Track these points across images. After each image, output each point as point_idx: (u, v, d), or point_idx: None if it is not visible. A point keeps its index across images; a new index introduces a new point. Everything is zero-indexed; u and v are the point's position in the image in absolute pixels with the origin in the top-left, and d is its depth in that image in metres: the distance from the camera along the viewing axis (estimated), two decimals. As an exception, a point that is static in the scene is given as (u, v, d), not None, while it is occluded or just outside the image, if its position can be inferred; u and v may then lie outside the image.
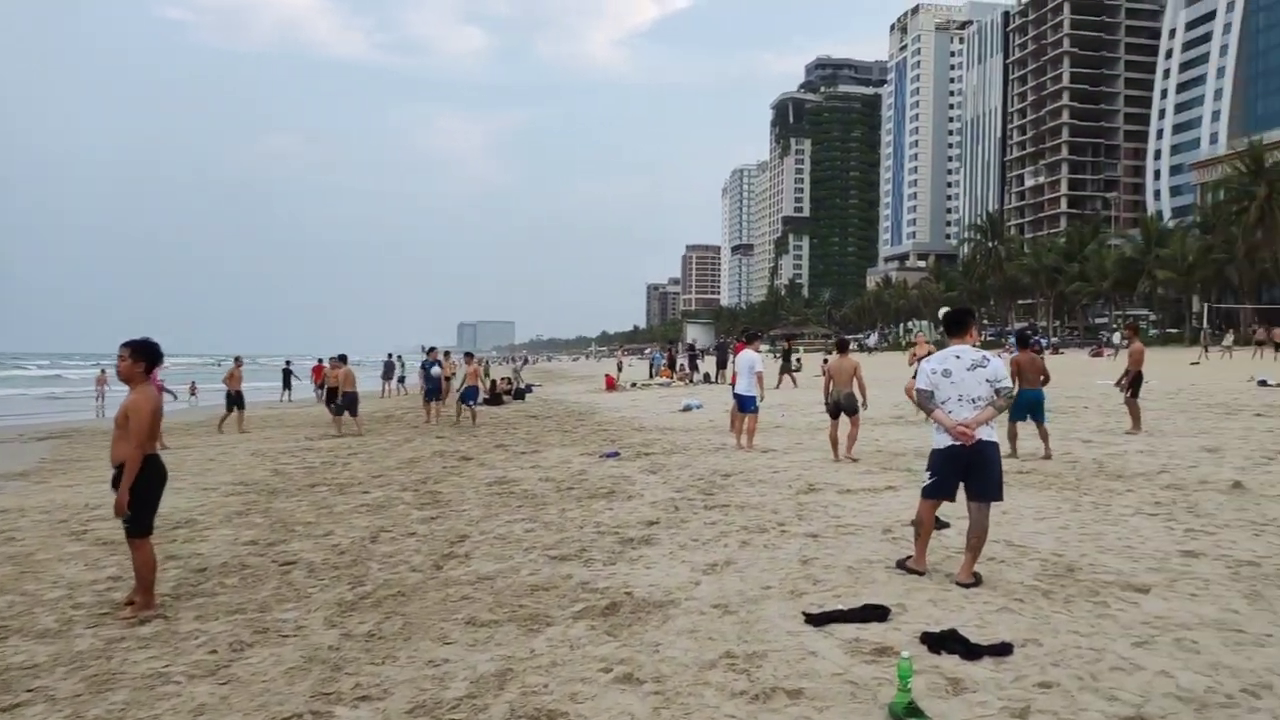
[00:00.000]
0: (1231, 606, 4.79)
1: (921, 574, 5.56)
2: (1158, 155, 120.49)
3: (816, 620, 4.74)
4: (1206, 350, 44.26)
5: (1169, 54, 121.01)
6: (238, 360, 20.87)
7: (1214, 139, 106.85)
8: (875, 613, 4.78)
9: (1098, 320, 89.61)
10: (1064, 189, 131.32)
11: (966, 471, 5.34)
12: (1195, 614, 4.67)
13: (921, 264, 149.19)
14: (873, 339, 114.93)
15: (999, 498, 5.41)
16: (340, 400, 17.27)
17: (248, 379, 20.99)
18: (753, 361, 12.70)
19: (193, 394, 31.06)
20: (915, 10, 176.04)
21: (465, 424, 18.01)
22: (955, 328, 5.59)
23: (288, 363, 35.81)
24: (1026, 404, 10.86)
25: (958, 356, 5.41)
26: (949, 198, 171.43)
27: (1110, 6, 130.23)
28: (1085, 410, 16.70)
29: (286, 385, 32.99)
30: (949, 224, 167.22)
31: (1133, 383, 13.15)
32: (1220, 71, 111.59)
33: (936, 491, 5.48)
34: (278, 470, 12.05)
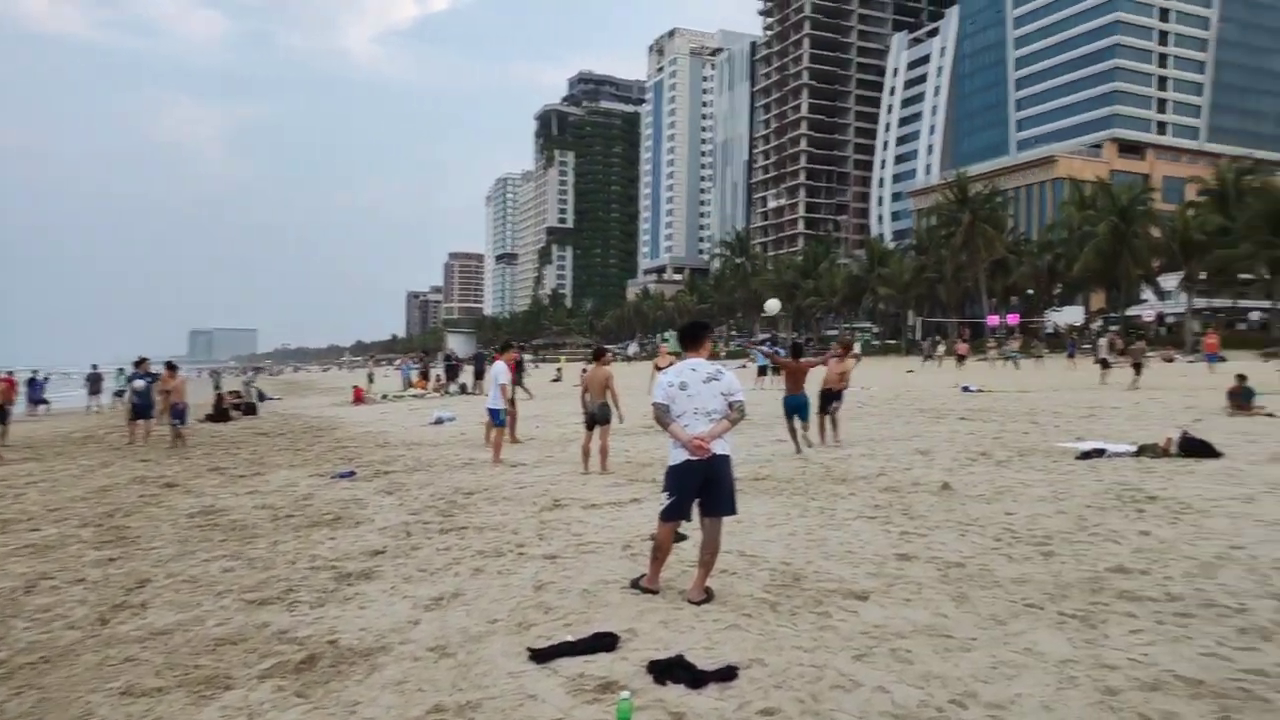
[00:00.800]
0: (941, 610, 4.95)
1: (655, 593, 5.37)
2: (881, 183, 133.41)
3: (542, 656, 4.37)
4: (926, 359, 49.20)
5: (892, 91, 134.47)
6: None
7: (929, 170, 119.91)
8: (604, 641, 4.49)
9: (829, 331, 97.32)
10: (802, 211, 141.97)
11: (702, 486, 5.20)
12: (909, 621, 4.77)
13: (678, 277, 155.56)
14: (632, 348, 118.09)
15: (732, 511, 5.32)
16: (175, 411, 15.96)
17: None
18: (497, 373, 12.27)
19: None
20: (672, 34, 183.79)
21: (178, 445, 16.07)
22: (690, 341, 5.44)
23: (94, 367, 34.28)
24: (794, 407, 12.23)
25: (694, 369, 5.28)
26: (702, 215, 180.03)
27: (844, 44, 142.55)
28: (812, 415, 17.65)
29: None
30: (702, 240, 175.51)
31: (823, 399, 13.05)
32: (934, 109, 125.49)
33: (676, 513, 5.29)
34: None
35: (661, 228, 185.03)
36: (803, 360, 13.12)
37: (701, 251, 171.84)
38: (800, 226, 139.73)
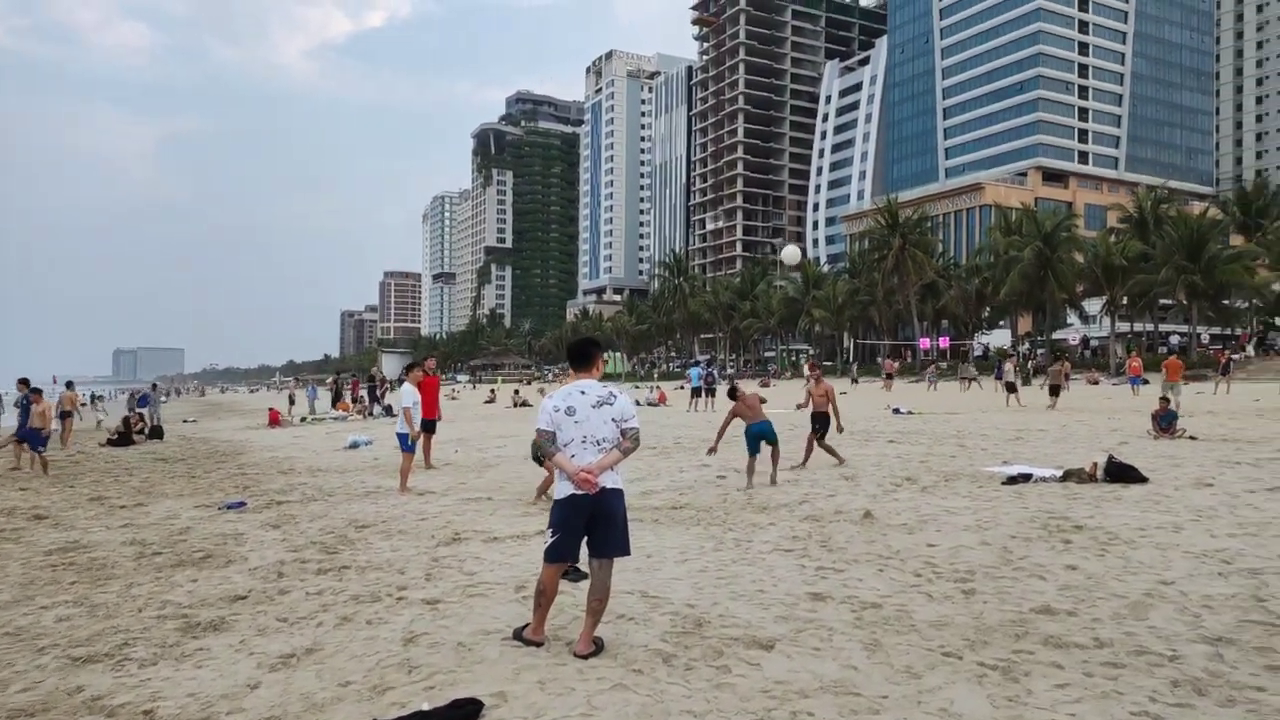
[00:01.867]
0: (852, 662, 4.45)
1: (539, 645, 4.76)
2: (816, 207, 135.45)
3: (389, 728, 3.74)
4: (854, 382, 49.56)
5: (825, 117, 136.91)
6: None
7: (861, 195, 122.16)
8: (462, 712, 3.87)
9: (767, 354, 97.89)
10: (739, 234, 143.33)
11: (590, 524, 4.64)
12: (815, 675, 4.26)
13: (618, 298, 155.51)
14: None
15: (625, 552, 4.76)
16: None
17: None
18: (403, 395, 11.57)
19: None
20: (609, 56, 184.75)
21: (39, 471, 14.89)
22: (580, 360, 4.87)
23: None
24: (760, 433, 11.30)
25: (583, 392, 4.71)
26: (642, 236, 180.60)
27: (778, 70, 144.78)
28: (738, 439, 17.24)
29: None
30: (642, 260, 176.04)
31: (820, 421, 12.91)
32: (866, 136, 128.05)
33: (561, 553, 4.70)
34: None
35: (601, 248, 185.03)
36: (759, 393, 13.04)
37: (641, 273, 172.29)
38: (738, 249, 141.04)
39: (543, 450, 4.72)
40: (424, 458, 13.88)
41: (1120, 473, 10.49)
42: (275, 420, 28.18)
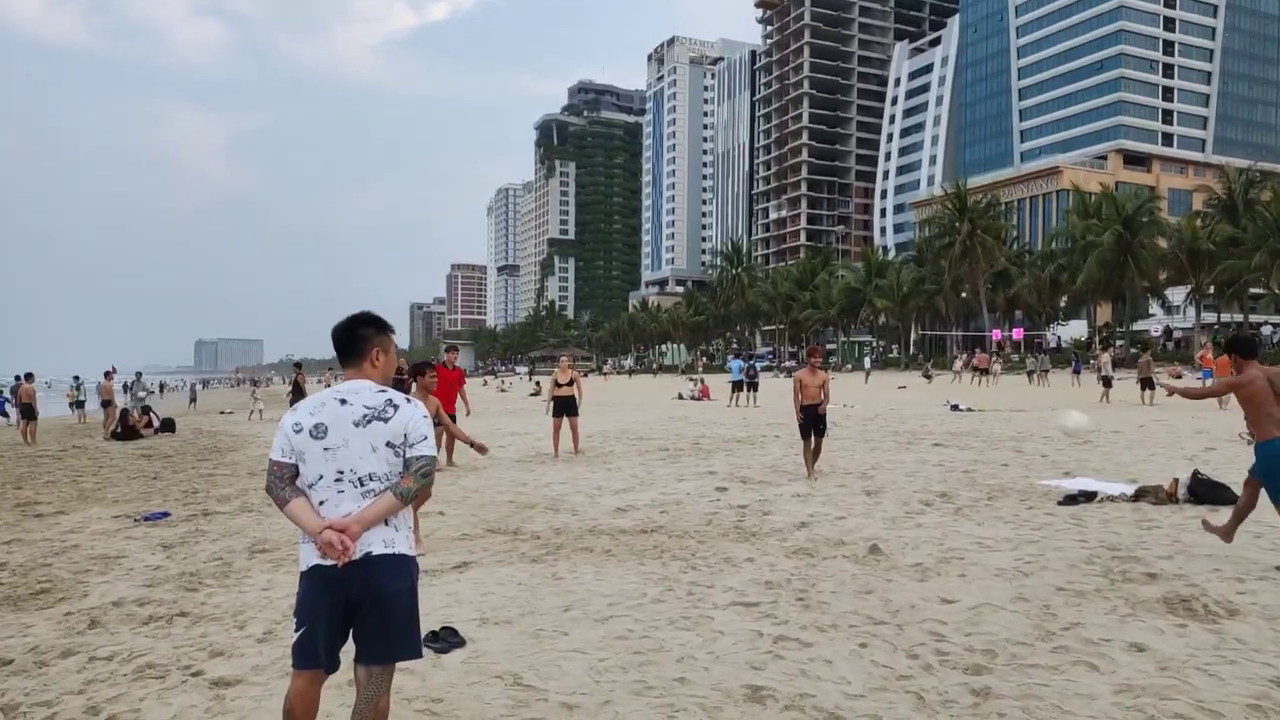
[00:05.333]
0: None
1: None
2: (884, 194, 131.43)
3: None
4: (926, 377, 46.99)
5: (894, 101, 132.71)
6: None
7: (931, 180, 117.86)
8: None
9: (829, 346, 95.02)
10: (804, 222, 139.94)
11: (350, 611, 2.96)
12: None
13: (680, 289, 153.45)
14: (629, 362, 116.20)
15: (409, 654, 3.05)
16: None
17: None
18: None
19: None
20: (671, 42, 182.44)
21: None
22: (347, 349, 3.10)
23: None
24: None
25: (342, 401, 3.01)
26: (704, 226, 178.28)
27: (845, 53, 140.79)
28: (764, 441, 15.46)
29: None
30: (704, 251, 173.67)
31: (807, 418, 11.50)
32: (937, 120, 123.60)
33: (308, 654, 2.98)
34: None
35: (663, 239, 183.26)
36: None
37: (704, 263, 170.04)
38: (802, 238, 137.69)
39: (270, 494, 3.03)
40: (446, 456, 12.66)
41: (1207, 492, 8.48)
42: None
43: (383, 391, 3.05)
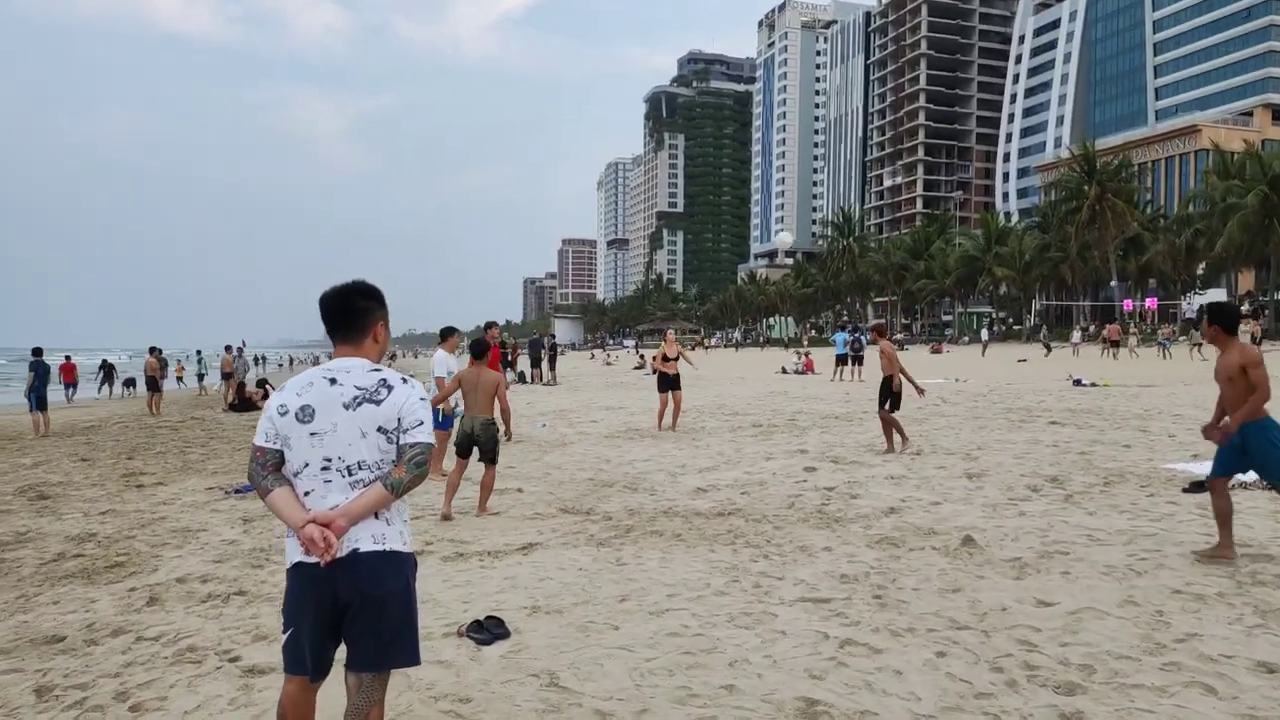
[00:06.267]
0: None
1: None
2: (1007, 158, 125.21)
3: None
4: (1047, 351, 44.59)
5: (1018, 59, 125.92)
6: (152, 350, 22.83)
7: (1058, 142, 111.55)
8: None
9: (945, 317, 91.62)
10: (920, 189, 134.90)
11: (337, 617, 2.68)
12: None
13: (790, 261, 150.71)
14: (736, 335, 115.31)
15: (404, 661, 2.78)
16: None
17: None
18: (433, 364, 10.08)
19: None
20: (783, 7, 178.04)
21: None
22: (340, 322, 2.79)
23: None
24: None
25: (331, 380, 2.73)
26: (815, 196, 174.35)
27: (965, 10, 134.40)
28: (864, 418, 14.75)
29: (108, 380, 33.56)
30: (814, 222, 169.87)
31: (882, 392, 11.01)
32: (1064, 78, 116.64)
33: (296, 658, 2.74)
34: None
35: (773, 210, 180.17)
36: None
37: (814, 234, 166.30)
38: (918, 205, 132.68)
39: (253, 482, 2.80)
40: (505, 429, 12.59)
41: (1366, 482, 7.45)
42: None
43: (376, 370, 2.77)
